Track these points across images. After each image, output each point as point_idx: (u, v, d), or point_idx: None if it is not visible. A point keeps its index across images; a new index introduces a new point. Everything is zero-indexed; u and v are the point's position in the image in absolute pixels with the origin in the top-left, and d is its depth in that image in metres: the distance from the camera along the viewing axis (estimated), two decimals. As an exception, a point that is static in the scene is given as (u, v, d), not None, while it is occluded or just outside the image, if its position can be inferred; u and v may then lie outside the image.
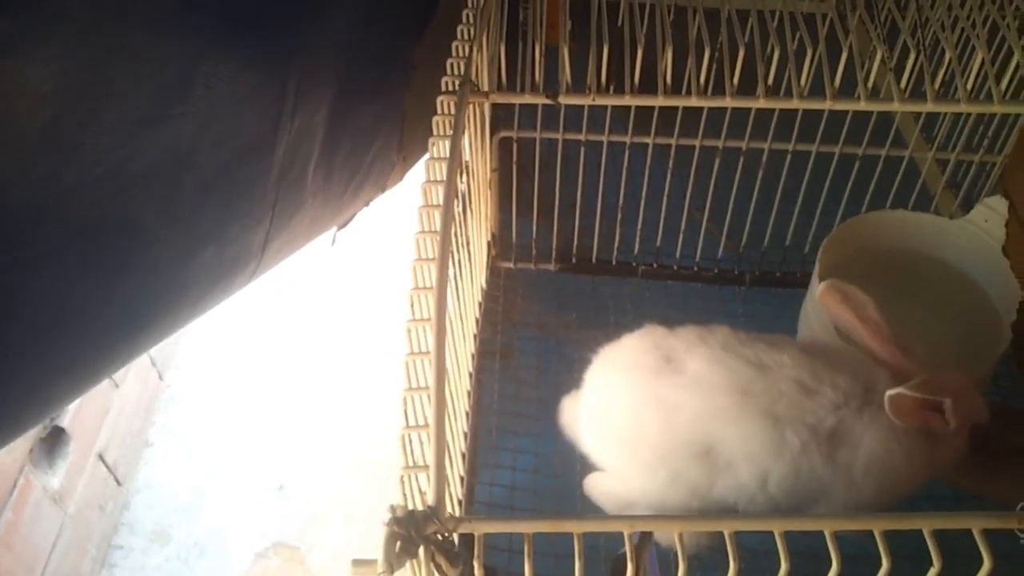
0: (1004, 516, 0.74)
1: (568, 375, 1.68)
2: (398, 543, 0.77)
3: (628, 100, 1.25)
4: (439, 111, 1.14)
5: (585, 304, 1.89)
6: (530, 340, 1.81)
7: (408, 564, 0.79)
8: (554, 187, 1.75)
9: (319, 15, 1.24)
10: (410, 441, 0.91)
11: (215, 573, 2.02)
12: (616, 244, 1.87)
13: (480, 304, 1.75)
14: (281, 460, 2.21)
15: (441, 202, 1.04)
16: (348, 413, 2.30)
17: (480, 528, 0.84)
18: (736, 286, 1.90)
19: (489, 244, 1.88)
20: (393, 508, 0.80)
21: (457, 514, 1.40)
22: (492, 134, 1.77)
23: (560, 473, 1.57)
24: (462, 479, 1.46)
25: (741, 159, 1.68)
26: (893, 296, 1.74)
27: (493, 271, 1.90)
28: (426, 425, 0.87)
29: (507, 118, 1.78)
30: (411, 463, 0.88)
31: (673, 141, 1.68)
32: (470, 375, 1.62)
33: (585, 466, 1.45)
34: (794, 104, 1.25)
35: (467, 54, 1.24)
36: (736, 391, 1.22)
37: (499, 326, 1.82)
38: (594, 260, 1.90)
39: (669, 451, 1.25)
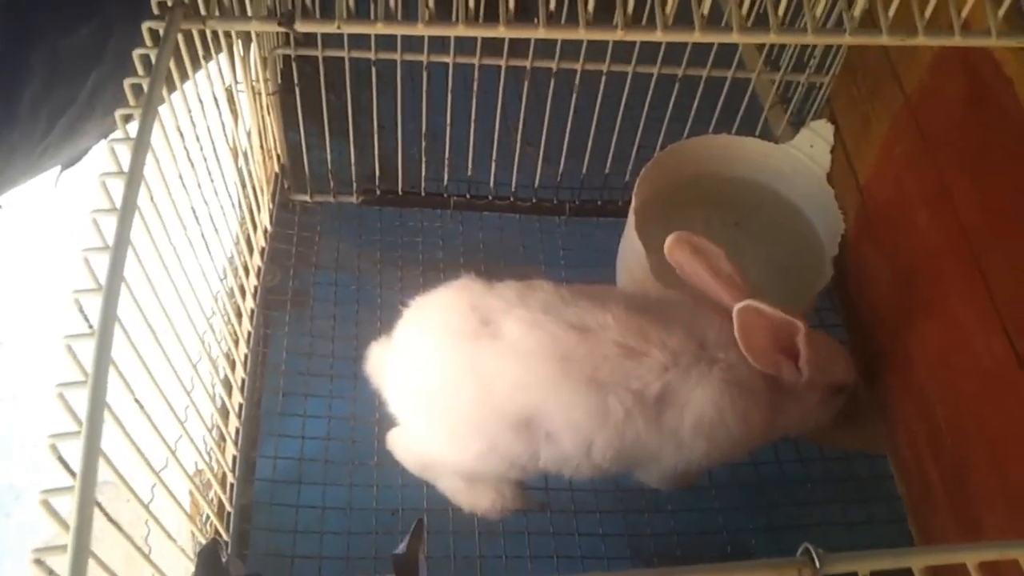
0: (781, 565, 0.62)
1: (370, 324, 1.52)
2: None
3: (421, 29, 1.01)
4: (146, 41, 0.91)
5: (391, 240, 1.70)
6: (328, 284, 1.61)
7: None
8: (351, 110, 1.54)
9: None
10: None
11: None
12: (424, 172, 1.67)
13: (263, 249, 1.53)
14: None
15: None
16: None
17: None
18: (556, 216, 1.74)
19: (278, 175, 1.65)
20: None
21: (225, 504, 1.25)
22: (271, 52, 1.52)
23: (356, 438, 1.41)
24: (233, 465, 1.29)
25: (552, 80, 1.50)
26: (716, 225, 1.64)
27: (284, 206, 1.67)
28: (78, 431, 0.67)
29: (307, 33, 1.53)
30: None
31: (476, 61, 1.47)
32: (248, 335, 1.42)
33: (384, 424, 1.31)
34: (618, 36, 1.04)
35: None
36: (557, 358, 1.11)
37: (292, 270, 1.61)
38: (400, 191, 1.70)
39: (485, 422, 1.14)
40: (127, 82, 0.87)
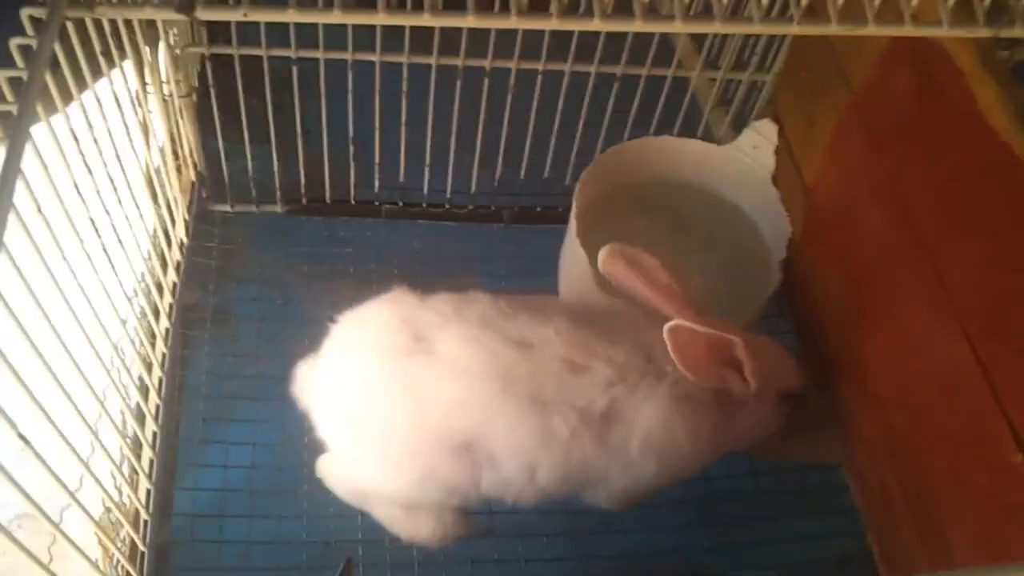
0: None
1: (298, 341, 1.40)
2: None
3: (338, 17, 0.93)
4: (27, 31, 0.81)
5: (319, 252, 1.60)
6: (252, 300, 1.51)
7: None
8: (272, 114, 1.44)
9: None
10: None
11: None
12: (353, 179, 1.58)
13: (179, 263, 1.43)
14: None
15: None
16: None
17: None
18: (494, 224, 1.67)
19: (194, 184, 1.54)
20: None
21: (138, 544, 1.13)
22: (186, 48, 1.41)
23: (283, 465, 1.31)
24: (147, 500, 1.18)
25: (486, 80, 1.43)
26: (660, 230, 1.58)
27: (202, 217, 1.57)
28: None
29: (221, 31, 1.44)
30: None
31: (404, 59, 1.39)
32: (163, 358, 1.31)
33: (315, 449, 1.21)
34: (553, 24, 0.96)
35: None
36: (497, 376, 1.03)
37: (212, 285, 1.51)
38: (328, 199, 1.61)
39: (421, 446, 1.06)
40: (2, 75, 0.77)
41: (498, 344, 1.04)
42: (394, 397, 1.05)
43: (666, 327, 1.03)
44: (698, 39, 1.69)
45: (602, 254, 1.17)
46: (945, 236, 1.04)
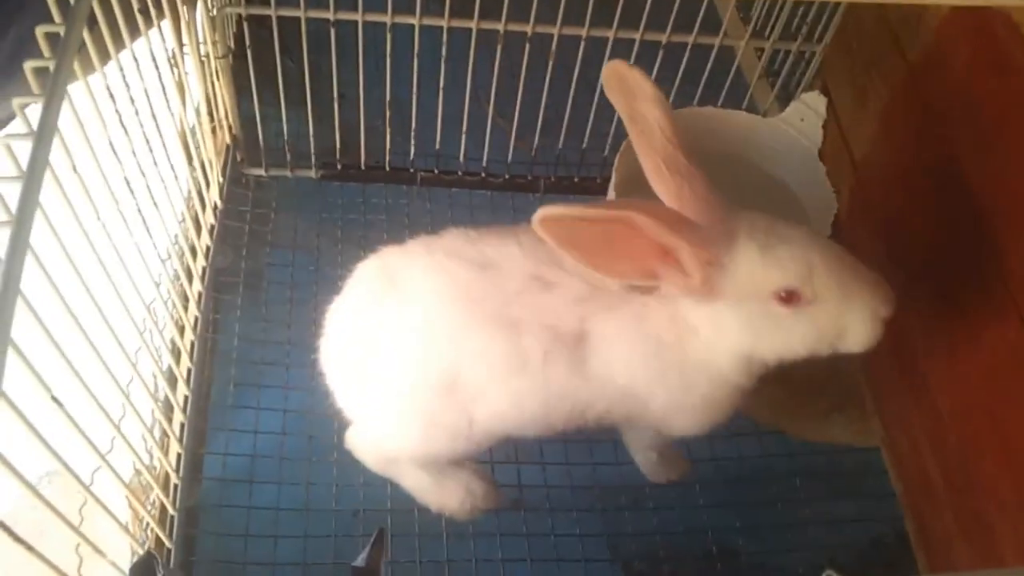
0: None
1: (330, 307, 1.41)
2: None
3: None
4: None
5: (353, 218, 1.58)
6: (284, 266, 1.50)
7: None
8: (309, 77, 1.41)
9: None
10: None
11: None
12: (388, 146, 1.56)
13: (212, 227, 1.41)
14: None
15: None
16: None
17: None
18: (530, 194, 1.64)
19: (229, 147, 1.53)
20: None
21: (168, 507, 1.14)
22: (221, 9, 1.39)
23: (313, 433, 1.30)
24: (177, 464, 1.18)
25: (527, 46, 1.39)
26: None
27: (236, 180, 1.55)
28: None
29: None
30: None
31: (444, 23, 1.36)
32: (195, 321, 1.30)
33: (344, 417, 1.19)
34: None
35: None
36: (461, 300, 0.98)
37: (244, 249, 1.49)
38: (363, 165, 1.59)
39: (417, 393, 1.02)
40: (40, 30, 0.75)
41: (460, 268, 0.99)
42: (380, 346, 1.02)
43: (533, 219, 0.84)
44: (745, 8, 1.64)
45: (603, 72, 1.00)
46: (1005, 215, 0.99)
